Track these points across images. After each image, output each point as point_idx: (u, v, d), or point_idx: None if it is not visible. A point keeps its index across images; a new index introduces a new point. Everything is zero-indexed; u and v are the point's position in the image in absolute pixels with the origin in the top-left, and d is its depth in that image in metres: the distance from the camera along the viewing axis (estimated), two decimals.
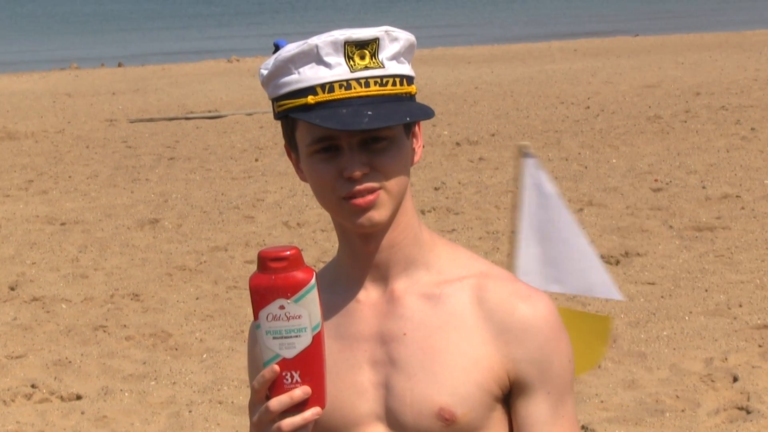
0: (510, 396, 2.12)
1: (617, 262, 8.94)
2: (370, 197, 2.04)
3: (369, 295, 2.15)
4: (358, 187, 2.03)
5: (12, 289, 9.15)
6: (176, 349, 7.58)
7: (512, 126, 16.20)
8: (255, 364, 2.21)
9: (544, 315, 2.10)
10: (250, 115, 19.14)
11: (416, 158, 2.13)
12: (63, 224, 11.37)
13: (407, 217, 2.13)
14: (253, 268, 9.35)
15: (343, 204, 2.05)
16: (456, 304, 2.12)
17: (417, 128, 2.13)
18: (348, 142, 2.04)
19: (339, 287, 2.17)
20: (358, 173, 2.02)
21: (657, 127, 15.23)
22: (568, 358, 2.12)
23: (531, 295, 2.12)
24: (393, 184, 2.05)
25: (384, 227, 2.10)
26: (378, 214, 2.06)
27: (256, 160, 14.61)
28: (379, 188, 2.04)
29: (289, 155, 2.16)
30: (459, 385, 2.08)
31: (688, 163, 12.68)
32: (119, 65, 32.51)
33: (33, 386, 7.03)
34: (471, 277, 2.14)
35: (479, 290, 2.12)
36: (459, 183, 12.32)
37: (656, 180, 11.83)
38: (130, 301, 8.67)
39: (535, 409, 2.11)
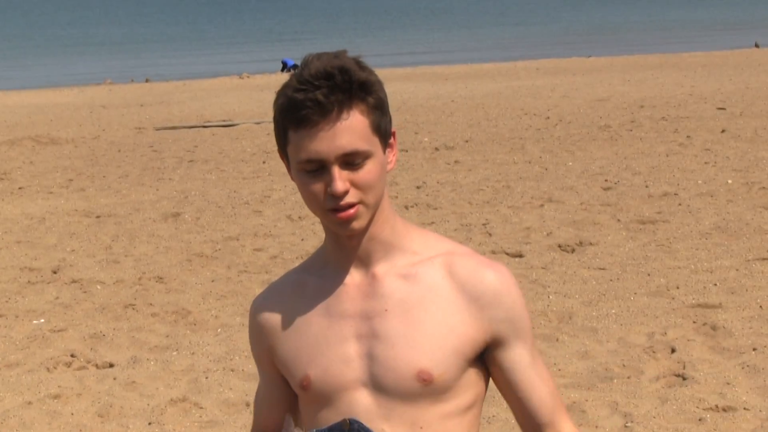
0: (486, 354, 2.15)
1: (573, 250, 8.94)
2: (351, 211, 2.05)
3: (354, 278, 2.15)
4: (341, 203, 2.04)
5: (54, 272, 9.12)
6: (195, 325, 7.56)
7: (483, 134, 16.19)
8: (259, 345, 2.24)
9: (508, 279, 2.14)
10: (258, 123, 19.10)
11: (390, 167, 2.13)
12: (98, 217, 11.34)
13: (385, 214, 2.14)
14: (261, 254, 9.34)
15: (328, 215, 2.06)
16: (430, 280, 2.13)
17: (393, 140, 2.13)
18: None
19: (328, 272, 2.18)
20: (342, 190, 2.03)
21: (607, 135, 15.23)
22: (527, 312, 2.17)
23: (493, 264, 2.15)
24: (371, 197, 2.06)
25: (365, 229, 2.12)
26: (358, 224, 2.07)
27: (264, 162, 14.58)
28: (358, 203, 2.05)
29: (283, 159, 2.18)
30: (436, 350, 2.08)
31: (634, 165, 12.68)
32: (147, 81, 32.40)
33: (72, 356, 7.00)
34: (440, 256, 2.15)
35: (449, 266, 2.14)
36: (437, 182, 12.31)
37: (606, 180, 11.83)
38: (155, 283, 8.64)
39: (518, 357, 2.16)
